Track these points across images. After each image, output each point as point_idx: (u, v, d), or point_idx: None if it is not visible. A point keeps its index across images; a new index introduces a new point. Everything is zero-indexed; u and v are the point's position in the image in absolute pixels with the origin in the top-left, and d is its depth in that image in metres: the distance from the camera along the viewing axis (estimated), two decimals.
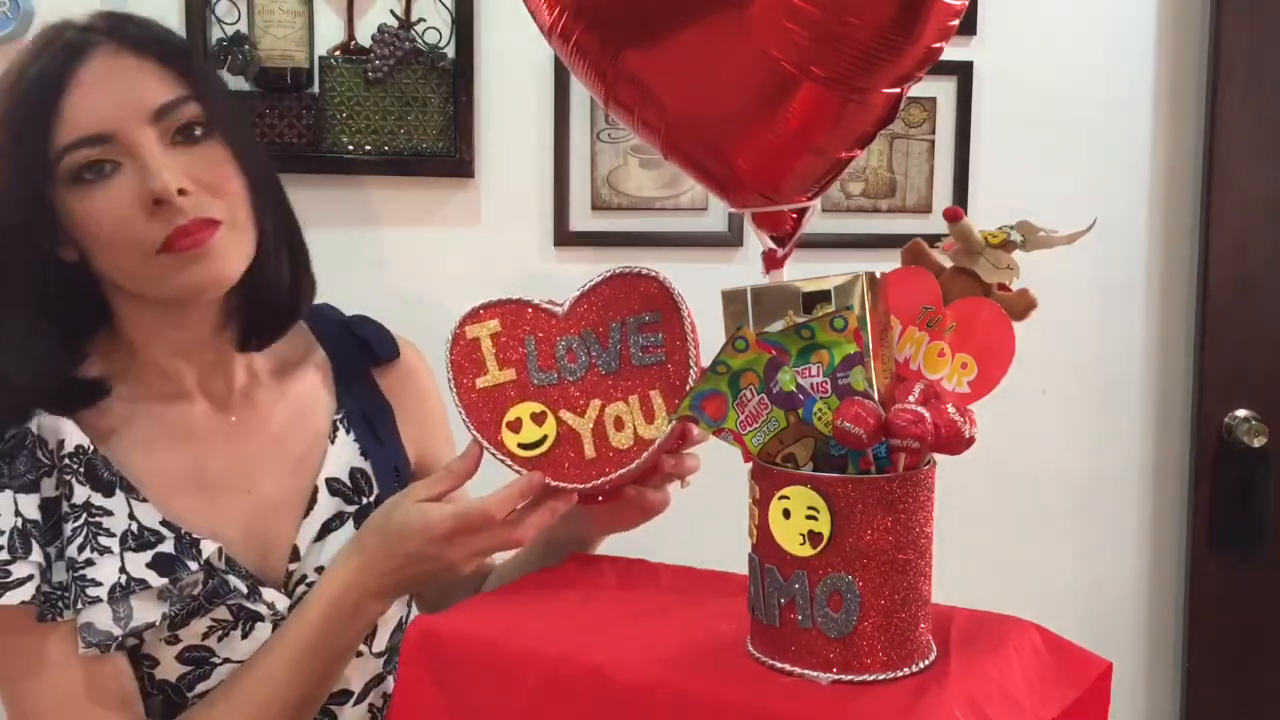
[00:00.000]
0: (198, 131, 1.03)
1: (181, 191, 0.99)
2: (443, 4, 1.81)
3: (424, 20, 1.80)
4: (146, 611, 1.02)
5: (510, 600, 0.99)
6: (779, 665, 0.82)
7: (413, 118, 1.80)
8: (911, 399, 0.83)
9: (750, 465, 0.85)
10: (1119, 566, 2.09)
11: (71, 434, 1.02)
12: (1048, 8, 1.98)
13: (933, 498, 0.82)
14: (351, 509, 1.15)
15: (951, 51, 2.01)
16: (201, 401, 1.12)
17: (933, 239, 0.96)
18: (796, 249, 2.01)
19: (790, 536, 0.80)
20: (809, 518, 0.79)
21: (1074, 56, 1.99)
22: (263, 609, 1.07)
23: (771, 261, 1.44)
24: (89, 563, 1.00)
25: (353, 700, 1.16)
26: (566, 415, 0.98)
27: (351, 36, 1.78)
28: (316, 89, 1.77)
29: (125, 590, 1.01)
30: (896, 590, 0.80)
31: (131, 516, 1.03)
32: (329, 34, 1.78)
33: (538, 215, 1.87)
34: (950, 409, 0.81)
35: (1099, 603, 2.07)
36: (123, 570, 1.01)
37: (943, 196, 1.95)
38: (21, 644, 1.01)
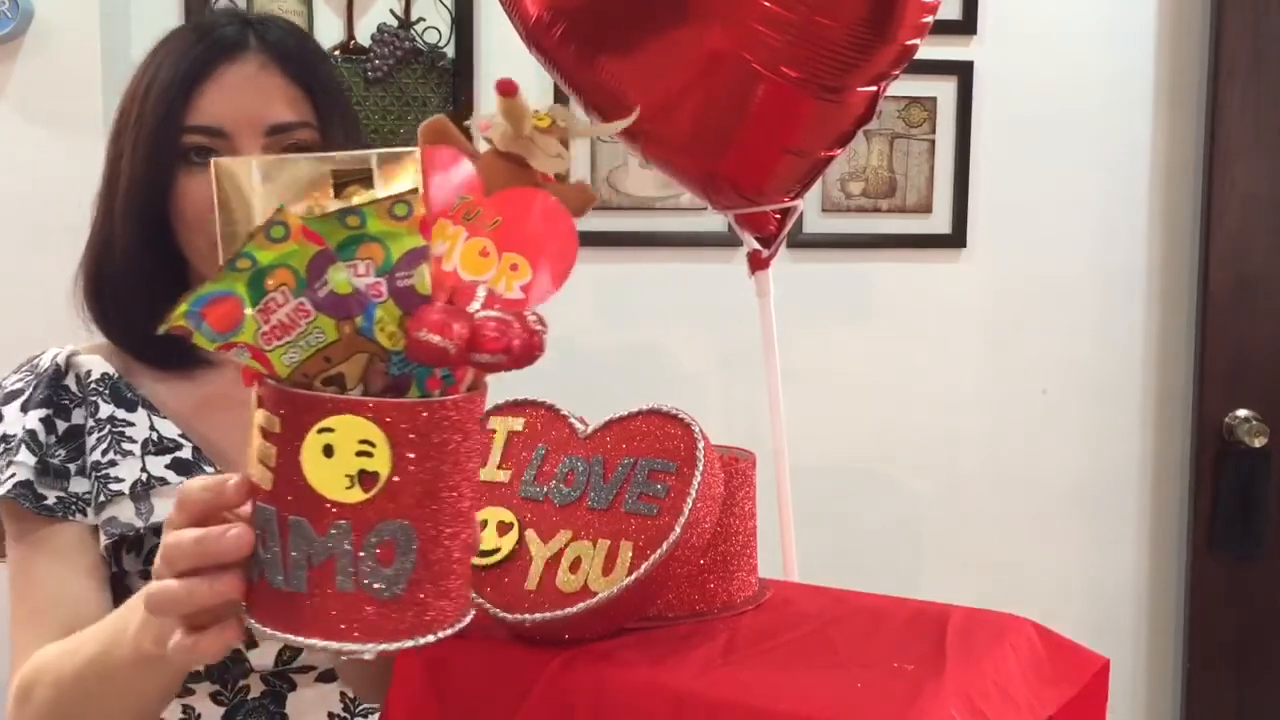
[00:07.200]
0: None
1: None
2: (443, 4, 1.81)
3: (424, 20, 1.80)
4: (168, 508, 1.03)
5: None
6: (307, 640, 0.66)
7: (413, 117, 1.80)
8: (476, 305, 0.67)
9: (257, 390, 0.67)
10: (1119, 566, 2.09)
11: (99, 365, 1.13)
12: (1048, 8, 1.98)
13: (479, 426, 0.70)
14: None
15: (951, 51, 2.01)
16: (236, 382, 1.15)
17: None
18: (797, 248, 2.00)
19: (333, 480, 0.64)
20: (361, 454, 0.64)
21: (1074, 56, 1.99)
22: None
23: (757, 262, 1.43)
24: (112, 463, 1.09)
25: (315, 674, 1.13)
26: (531, 537, 0.88)
27: (351, 36, 1.79)
28: None
29: (146, 486, 1.08)
30: (456, 538, 0.67)
31: (152, 428, 1.12)
32: (329, 33, 1.78)
33: None
34: (531, 316, 0.67)
35: (1099, 602, 2.07)
36: (144, 470, 1.09)
37: (943, 196, 1.95)
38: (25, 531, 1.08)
